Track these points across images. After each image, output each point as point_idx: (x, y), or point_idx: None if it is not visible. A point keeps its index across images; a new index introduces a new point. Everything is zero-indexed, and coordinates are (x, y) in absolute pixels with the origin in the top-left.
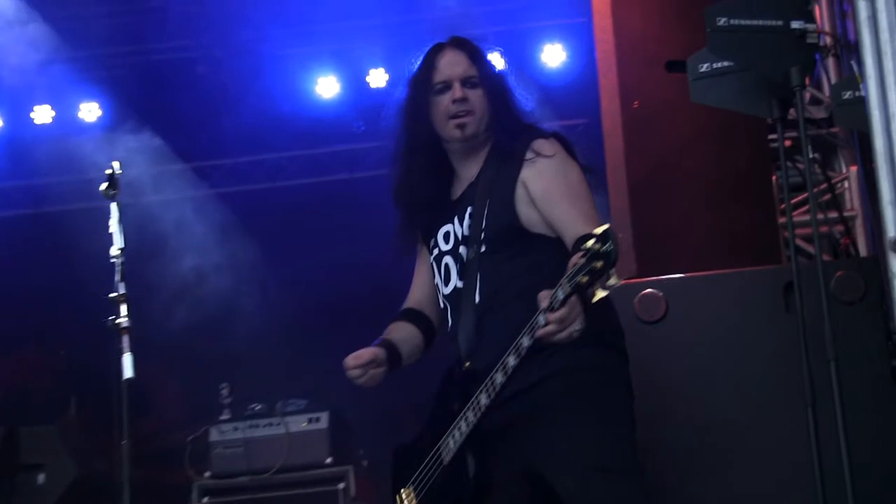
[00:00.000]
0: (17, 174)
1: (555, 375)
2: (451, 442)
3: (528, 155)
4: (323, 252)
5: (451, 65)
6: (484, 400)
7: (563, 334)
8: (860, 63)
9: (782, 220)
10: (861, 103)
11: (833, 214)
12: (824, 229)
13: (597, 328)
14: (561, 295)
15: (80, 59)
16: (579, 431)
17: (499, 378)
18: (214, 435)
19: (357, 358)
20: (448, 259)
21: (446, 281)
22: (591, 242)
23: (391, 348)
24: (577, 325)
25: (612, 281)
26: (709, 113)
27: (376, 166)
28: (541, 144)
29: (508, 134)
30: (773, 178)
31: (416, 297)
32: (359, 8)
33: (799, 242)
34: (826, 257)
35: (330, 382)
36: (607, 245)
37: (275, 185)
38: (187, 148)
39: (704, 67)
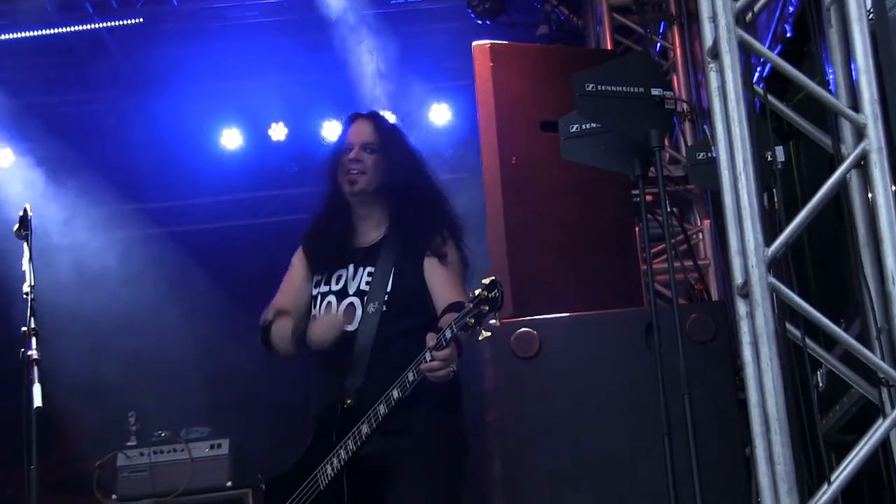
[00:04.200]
0: None
1: (412, 428)
2: (329, 468)
3: (433, 246)
4: (225, 287)
5: (357, 132)
6: (365, 430)
7: (443, 372)
8: (712, 127)
9: (644, 267)
10: (712, 163)
11: (689, 263)
12: (680, 276)
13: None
14: (448, 334)
15: None
16: (423, 485)
17: (382, 409)
18: (121, 460)
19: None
20: (332, 299)
21: None
22: (478, 291)
23: None
24: (453, 367)
25: (493, 322)
26: (578, 169)
27: (276, 213)
28: (438, 245)
29: (411, 210)
30: (636, 229)
31: (290, 304)
32: (259, 67)
33: (658, 287)
34: (681, 301)
35: (230, 411)
36: (494, 292)
37: (182, 228)
38: (99, 192)
39: (574, 128)
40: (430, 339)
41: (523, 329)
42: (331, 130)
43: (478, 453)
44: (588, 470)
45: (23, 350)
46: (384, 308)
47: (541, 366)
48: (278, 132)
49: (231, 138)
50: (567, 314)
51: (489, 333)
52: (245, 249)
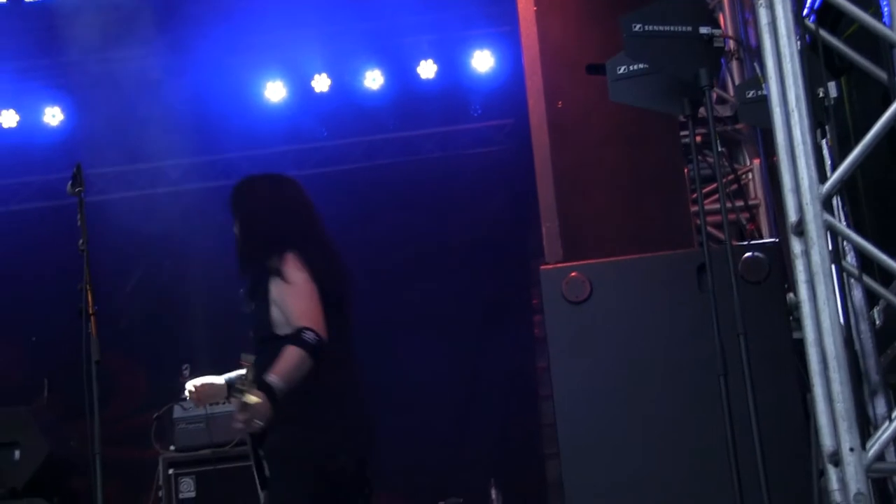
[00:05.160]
0: None
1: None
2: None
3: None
4: None
5: None
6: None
7: (246, 427)
8: (762, 65)
9: (694, 208)
10: (763, 101)
11: (739, 203)
12: (732, 217)
13: (289, 412)
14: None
15: (43, 66)
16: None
17: None
18: (178, 412)
19: None
20: None
21: None
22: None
23: None
24: (258, 420)
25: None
26: (625, 112)
27: (321, 165)
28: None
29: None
30: (685, 170)
31: None
32: (301, 17)
33: (709, 229)
34: (734, 241)
35: None
36: None
37: (230, 182)
38: (146, 149)
39: (622, 70)
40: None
41: (574, 273)
42: (372, 80)
43: (531, 399)
44: (641, 413)
45: (80, 305)
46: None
47: (592, 310)
48: (321, 83)
49: (275, 91)
50: (618, 258)
51: (256, 399)
52: None
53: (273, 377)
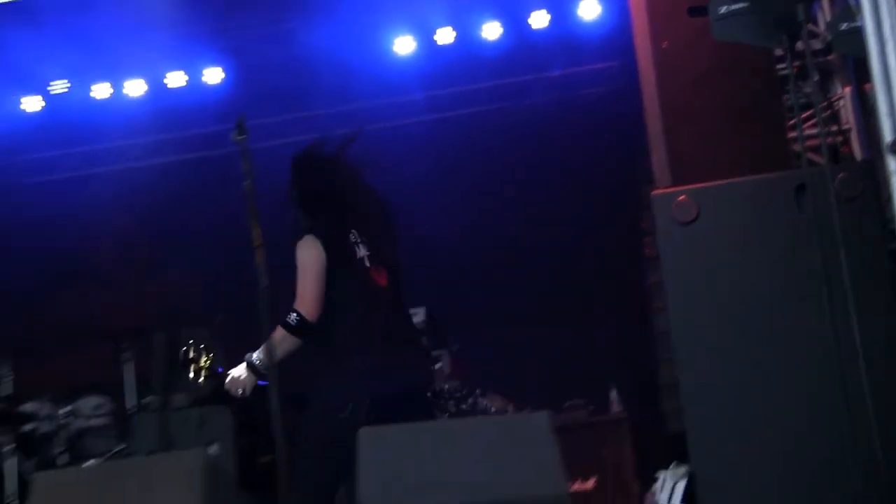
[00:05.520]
0: (163, 128)
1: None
2: None
3: None
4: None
5: None
6: None
7: (233, 393)
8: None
9: (791, 134)
10: (857, 33)
11: (833, 128)
12: (828, 140)
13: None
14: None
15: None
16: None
17: None
18: None
19: None
20: None
21: None
22: None
23: None
24: (238, 388)
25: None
26: (725, 48)
27: (450, 109)
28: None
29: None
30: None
31: None
32: None
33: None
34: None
35: (425, 284)
36: None
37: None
38: (296, 100)
39: (723, 9)
40: None
41: (682, 197)
42: (491, 31)
43: (644, 311)
44: (746, 324)
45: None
46: None
47: (699, 230)
48: (445, 36)
49: (403, 45)
50: (721, 181)
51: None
52: (422, 145)
53: (254, 353)
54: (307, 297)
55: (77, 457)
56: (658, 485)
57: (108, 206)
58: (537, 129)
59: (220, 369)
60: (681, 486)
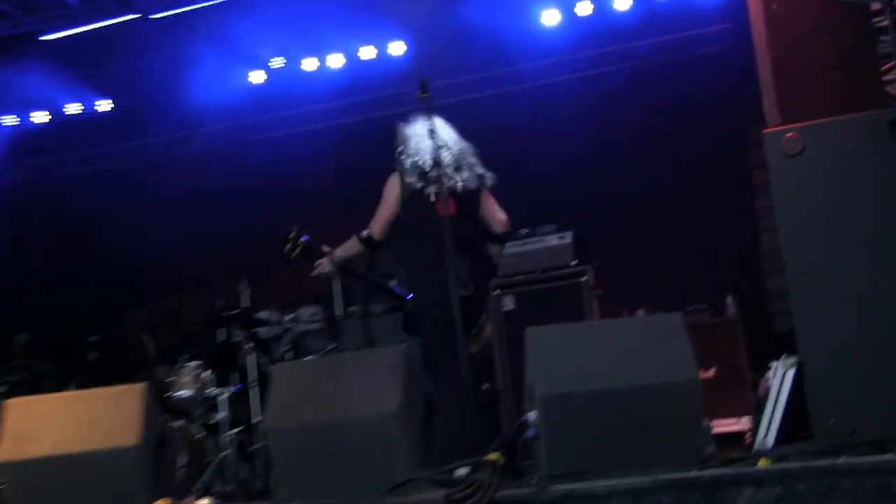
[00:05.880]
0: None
1: None
2: None
3: None
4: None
5: None
6: None
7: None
8: None
9: (885, 78)
10: None
11: None
12: None
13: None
14: None
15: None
16: None
17: None
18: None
19: None
20: None
21: None
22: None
23: None
24: (323, 272)
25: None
26: (829, 7)
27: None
28: None
29: None
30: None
31: None
32: None
33: None
34: None
35: (575, 210)
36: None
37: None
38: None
39: None
40: None
41: (790, 133)
42: (622, 2)
43: (754, 230)
44: (847, 239)
45: None
46: None
47: (805, 161)
48: (584, 8)
49: (550, 17)
50: (823, 119)
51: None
52: (568, 97)
53: (334, 249)
54: (378, 221)
55: (299, 354)
56: (771, 373)
57: (317, 156)
58: (663, 82)
59: (304, 237)
60: (791, 373)
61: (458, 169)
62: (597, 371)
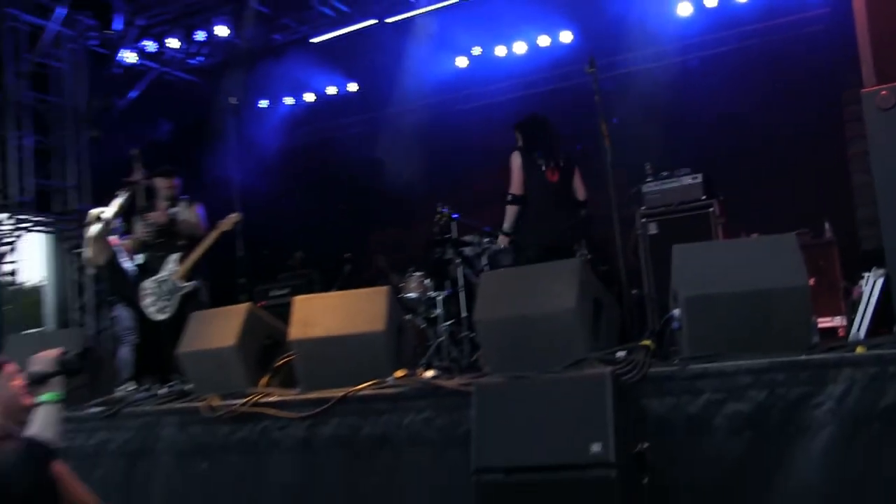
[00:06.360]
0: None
1: None
2: None
3: None
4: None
5: None
6: None
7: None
8: None
9: None
10: None
11: None
12: None
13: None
14: None
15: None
16: None
17: None
18: (647, 188)
19: None
20: None
21: None
22: None
23: None
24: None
25: None
26: None
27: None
28: None
29: None
30: None
31: None
32: None
33: None
34: None
35: (704, 157)
36: None
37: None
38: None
39: None
40: None
41: (884, 91)
42: None
43: (843, 174)
44: None
45: None
46: None
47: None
48: (711, 1)
49: (684, 8)
50: None
51: None
52: (697, 73)
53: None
54: (514, 184)
55: (493, 266)
56: (863, 281)
57: (506, 119)
58: (774, 56)
59: (454, 215)
60: (880, 281)
61: (557, 150)
62: (728, 278)
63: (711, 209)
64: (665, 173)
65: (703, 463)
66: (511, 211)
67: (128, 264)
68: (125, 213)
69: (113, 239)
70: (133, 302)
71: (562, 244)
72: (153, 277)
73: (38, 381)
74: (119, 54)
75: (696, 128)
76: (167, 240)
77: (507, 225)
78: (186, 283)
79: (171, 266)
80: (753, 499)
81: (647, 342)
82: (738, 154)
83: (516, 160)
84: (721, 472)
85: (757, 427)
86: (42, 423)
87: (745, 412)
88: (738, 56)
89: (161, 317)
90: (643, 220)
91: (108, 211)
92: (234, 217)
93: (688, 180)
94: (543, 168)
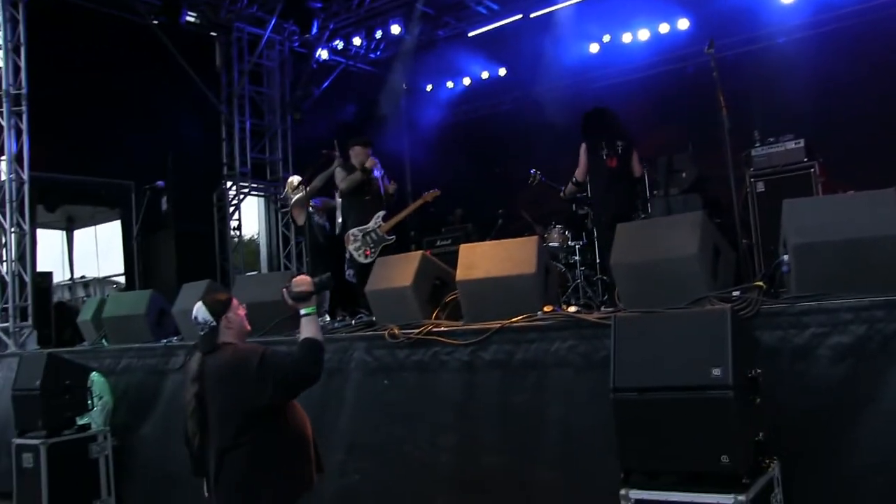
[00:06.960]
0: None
1: None
2: None
3: None
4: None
5: None
6: None
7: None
8: None
9: None
10: None
11: None
12: None
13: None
14: None
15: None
16: None
17: None
18: (756, 152)
19: None
20: None
21: None
22: None
23: None
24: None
25: None
26: None
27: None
28: None
29: None
30: None
31: None
32: None
33: None
34: None
35: (806, 122)
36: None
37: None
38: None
39: None
40: None
41: None
42: None
43: None
44: None
45: None
46: None
47: None
48: None
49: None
50: None
51: None
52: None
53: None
54: (579, 170)
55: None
56: None
57: (633, 97)
58: (871, 35)
59: (541, 177)
60: None
61: (618, 138)
62: (832, 228)
63: (812, 170)
64: (771, 139)
65: (806, 386)
66: (571, 188)
67: (322, 222)
68: (324, 180)
69: (311, 202)
70: (322, 253)
71: (620, 212)
72: (359, 227)
73: (300, 299)
74: (316, 53)
75: (800, 98)
76: (372, 198)
77: (565, 193)
78: (390, 237)
79: (375, 221)
80: (850, 417)
81: (759, 283)
82: (837, 122)
83: (583, 150)
84: (822, 394)
85: (857, 356)
86: (307, 329)
87: (846, 343)
88: (834, 36)
89: (364, 261)
90: (752, 179)
91: (310, 180)
92: (434, 192)
93: (791, 145)
94: (605, 157)
